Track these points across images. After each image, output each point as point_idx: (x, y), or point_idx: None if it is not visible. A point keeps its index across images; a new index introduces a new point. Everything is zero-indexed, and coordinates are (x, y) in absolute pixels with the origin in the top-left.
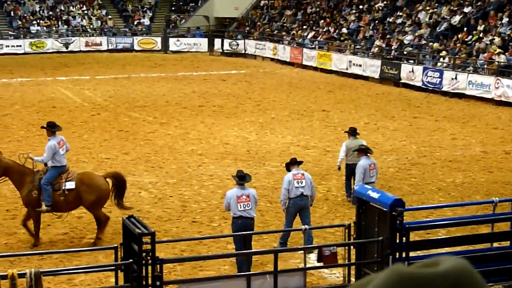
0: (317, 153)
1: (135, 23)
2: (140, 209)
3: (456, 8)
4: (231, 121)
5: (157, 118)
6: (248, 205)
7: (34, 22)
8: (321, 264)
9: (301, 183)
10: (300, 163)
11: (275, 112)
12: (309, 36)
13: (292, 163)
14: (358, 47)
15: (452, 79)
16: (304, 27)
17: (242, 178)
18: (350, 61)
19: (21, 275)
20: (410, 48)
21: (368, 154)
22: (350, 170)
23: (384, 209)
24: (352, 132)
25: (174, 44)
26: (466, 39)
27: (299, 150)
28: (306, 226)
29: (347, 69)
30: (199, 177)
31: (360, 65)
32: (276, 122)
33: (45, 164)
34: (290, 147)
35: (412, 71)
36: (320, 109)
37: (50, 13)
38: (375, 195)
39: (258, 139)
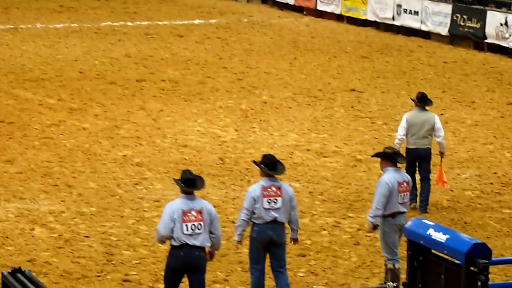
0: (341, 163)
1: None
2: (34, 257)
3: None
4: (192, 107)
5: (64, 100)
6: (199, 227)
7: None
8: None
9: (275, 203)
10: (281, 170)
11: (269, 93)
12: None
13: (266, 166)
14: None
15: None
16: None
17: (190, 183)
18: (399, 6)
19: None
20: None
21: (399, 164)
22: (414, 159)
23: (457, 261)
24: (420, 100)
25: None
26: None
27: (310, 157)
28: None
29: (393, 19)
30: (136, 204)
31: (417, 13)
32: (271, 109)
33: None
34: (294, 152)
35: (506, 23)
36: (347, 88)
37: None
38: (440, 236)
39: (240, 138)
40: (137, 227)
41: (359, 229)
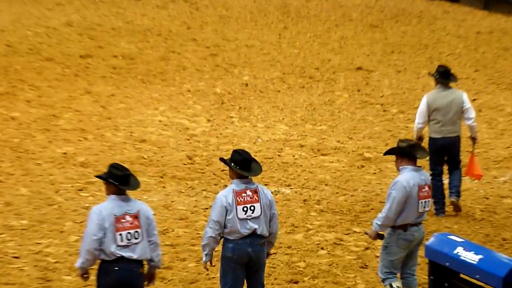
0: (344, 163)
1: None
2: None
3: None
4: (152, 90)
5: None
6: (136, 235)
7: None
8: None
9: (252, 211)
10: (256, 170)
11: (251, 73)
12: None
13: (237, 165)
14: None
15: None
16: None
17: (124, 180)
18: None
19: None
20: None
21: (418, 156)
22: (440, 151)
23: None
24: (442, 75)
25: None
26: None
27: (304, 155)
28: None
29: None
30: (80, 216)
31: None
32: (254, 94)
33: None
34: (284, 149)
35: None
36: (352, 67)
37: None
38: (471, 257)
39: (213, 131)
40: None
41: (367, 248)
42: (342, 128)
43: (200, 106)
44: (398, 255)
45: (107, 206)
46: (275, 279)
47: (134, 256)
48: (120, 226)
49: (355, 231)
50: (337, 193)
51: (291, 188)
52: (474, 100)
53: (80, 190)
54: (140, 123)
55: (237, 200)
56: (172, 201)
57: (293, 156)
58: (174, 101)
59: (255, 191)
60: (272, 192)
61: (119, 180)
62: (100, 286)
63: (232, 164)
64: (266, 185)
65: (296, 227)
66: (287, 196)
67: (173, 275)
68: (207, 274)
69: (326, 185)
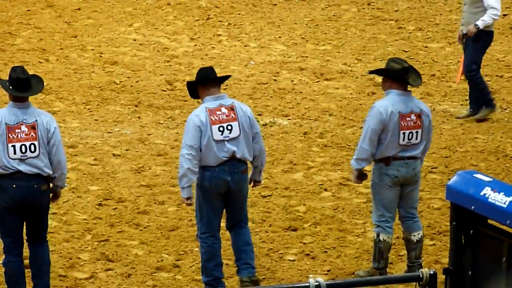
0: (352, 89)
1: None
2: None
3: None
4: (125, 3)
5: None
6: (32, 148)
7: None
8: None
9: (229, 130)
10: (224, 79)
11: None
12: None
13: (207, 81)
14: None
15: None
16: None
17: (21, 85)
18: None
19: None
20: None
21: (409, 86)
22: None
23: None
24: None
25: None
26: None
27: (305, 80)
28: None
29: None
30: None
31: None
32: (245, 6)
33: None
34: (281, 73)
35: None
36: None
37: None
38: (501, 198)
39: (197, 51)
40: None
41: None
42: (349, 48)
43: (181, 22)
44: (387, 194)
45: (2, 113)
46: (270, 225)
47: (33, 170)
48: (13, 136)
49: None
50: (343, 124)
51: (289, 119)
52: None
53: None
54: (111, 42)
55: (211, 119)
56: (148, 134)
57: (292, 81)
58: (151, 16)
59: (231, 108)
60: (266, 124)
61: (14, 84)
62: None
63: (201, 83)
64: (259, 115)
65: (295, 164)
66: (284, 128)
67: (149, 220)
68: (190, 220)
69: (330, 115)
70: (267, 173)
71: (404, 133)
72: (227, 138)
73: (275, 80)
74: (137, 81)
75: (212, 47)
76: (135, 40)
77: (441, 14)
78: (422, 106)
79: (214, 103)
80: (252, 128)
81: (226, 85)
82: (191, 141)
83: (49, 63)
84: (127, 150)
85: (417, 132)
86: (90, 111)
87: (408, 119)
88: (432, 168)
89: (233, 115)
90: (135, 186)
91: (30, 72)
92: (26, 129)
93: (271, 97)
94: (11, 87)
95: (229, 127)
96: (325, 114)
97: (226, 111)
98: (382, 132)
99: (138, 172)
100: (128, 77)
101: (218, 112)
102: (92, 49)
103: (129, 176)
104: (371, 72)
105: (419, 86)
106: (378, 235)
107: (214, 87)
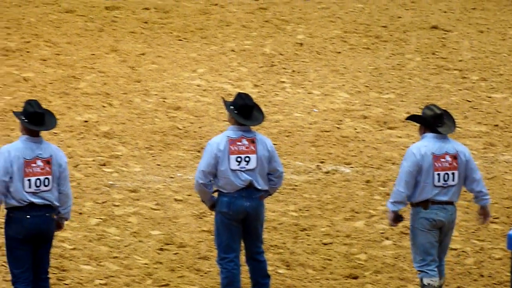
0: (415, 138)
1: None
2: None
3: None
4: (190, 49)
5: None
6: (47, 182)
7: None
8: None
9: (247, 162)
10: (256, 119)
11: (307, 30)
12: None
13: (235, 109)
14: None
15: None
16: None
17: (37, 119)
18: None
19: None
20: None
21: (440, 130)
22: None
23: None
24: None
25: None
26: None
27: (367, 128)
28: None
29: None
30: (102, 195)
31: None
32: (309, 55)
33: None
34: (344, 120)
35: None
36: (426, 25)
37: None
38: None
39: (261, 98)
40: (103, 229)
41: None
42: (413, 97)
43: (245, 68)
44: (426, 238)
45: (17, 147)
46: (331, 273)
47: (45, 202)
48: (29, 171)
49: None
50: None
51: (352, 167)
52: None
53: (103, 165)
54: (175, 88)
55: (231, 149)
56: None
57: (355, 129)
58: (215, 62)
59: (252, 141)
60: (329, 171)
61: (30, 118)
62: (11, 237)
63: (231, 107)
64: (322, 162)
65: (356, 212)
66: (346, 176)
67: (210, 266)
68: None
69: (393, 164)
70: (329, 220)
71: (439, 174)
72: (243, 169)
73: (338, 128)
74: (200, 127)
75: (276, 93)
76: (198, 85)
77: (505, 65)
78: (458, 147)
79: (237, 133)
80: (271, 164)
81: (289, 133)
82: (204, 167)
83: (113, 107)
84: (189, 195)
85: (453, 173)
86: (153, 156)
87: (442, 160)
88: (494, 218)
89: (253, 148)
90: (197, 231)
91: (92, 116)
92: (41, 164)
93: (334, 144)
94: (26, 121)
95: (247, 159)
96: (387, 163)
97: (246, 143)
98: (417, 174)
99: (200, 218)
100: (191, 123)
101: (238, 143)
102: (156, 94)
103: (190, 221)
104: (407, 119)
105: (451, 133)
106: (422, 280)
107: (242, 120)
